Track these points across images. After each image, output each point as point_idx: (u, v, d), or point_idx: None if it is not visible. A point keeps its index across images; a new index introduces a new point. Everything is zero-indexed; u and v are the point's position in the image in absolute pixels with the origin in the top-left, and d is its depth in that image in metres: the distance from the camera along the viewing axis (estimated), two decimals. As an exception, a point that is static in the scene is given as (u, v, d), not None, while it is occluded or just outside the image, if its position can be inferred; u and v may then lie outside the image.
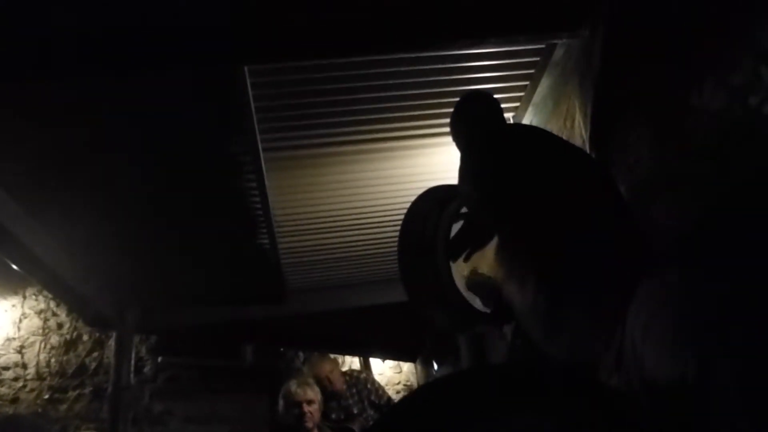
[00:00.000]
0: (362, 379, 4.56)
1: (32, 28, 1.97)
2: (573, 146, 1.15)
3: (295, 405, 3.09)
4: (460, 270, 1.21)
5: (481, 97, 2.19)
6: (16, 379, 5.08)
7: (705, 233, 1.33)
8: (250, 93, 2.49)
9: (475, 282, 1.11)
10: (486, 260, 1.04)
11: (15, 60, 2.04)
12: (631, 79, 1.83)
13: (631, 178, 1.82)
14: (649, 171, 1.73)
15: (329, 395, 4.07)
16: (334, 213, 3.67)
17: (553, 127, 2.63)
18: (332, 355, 4.91)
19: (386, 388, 5.84)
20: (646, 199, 1.72)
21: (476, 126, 2.01)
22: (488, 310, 1.16)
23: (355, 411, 4.21)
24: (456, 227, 1.27)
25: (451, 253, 1.20)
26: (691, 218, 1.48)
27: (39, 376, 5.13)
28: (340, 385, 4.27)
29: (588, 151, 2.08)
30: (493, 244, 1.00)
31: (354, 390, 4.41)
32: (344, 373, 4.66)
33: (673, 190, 1.62)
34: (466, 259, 1.11)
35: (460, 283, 1.24)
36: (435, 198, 1.41)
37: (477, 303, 1.24)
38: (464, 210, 1.27)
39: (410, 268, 1.40)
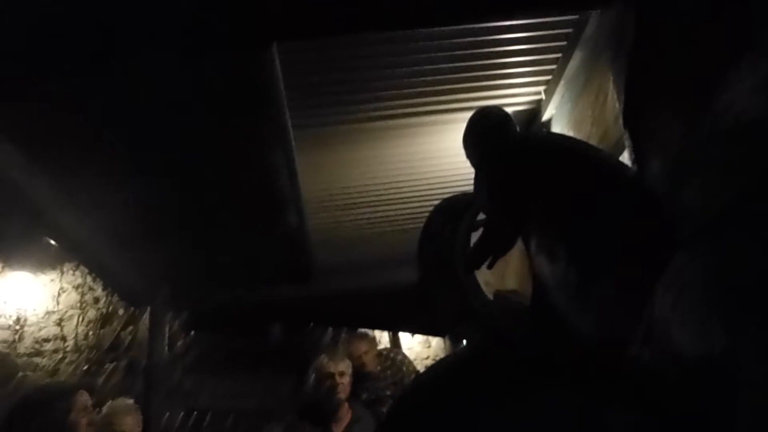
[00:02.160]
0: (398, 362, 4.50)
1: (56, 16, 1.99)
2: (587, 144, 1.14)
3: (327, 377, 3.12)
4: (484, 279, 1.19)
5: (492, 113, 2.18)
6: (56, 351, 5.22)
7: (737, 213, 1.30)
8: (279, 70, 2.49)
9: (504, 305, 1.10)
10: (511, 267, 1.04)
11: (37, 50, 2.06)
12: (665, 52, 1.79)
13: (664, 156, 1.78)
14: (681, 150, 1.70)
15: (361, 376, 4.04)
16: (363, 190, 3.67)
17: (585, 103, 2.59)
18: (370, 334, 4.84)
19: (415, 362, 5.84)
20: (678, 179, 1.69)
21: (489, 139, 1.97)
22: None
23: (388, 393, 4.18)
24: (475, 237, 1.24)
25: (473, 262, 1.18)
26: (723, 200, 1.44)
27: (77, 349, 5.27)
28: (373, 366, 4.21)
29: (622, 126, 2.04)
30: (516, 250, 0.99)
31: (388, 372, 4.36)
32: (379, 353, 4.61)
33: (705, 171, 1.58)
34: (489, 267, 1.10)
35: (486, 292, 1.22)
36: (449, 210, 1.40)
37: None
38: (480, 218, 1.25)
39: (433, 285, 1.38)
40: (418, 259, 1.41)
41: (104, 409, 3.14)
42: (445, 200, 1.50)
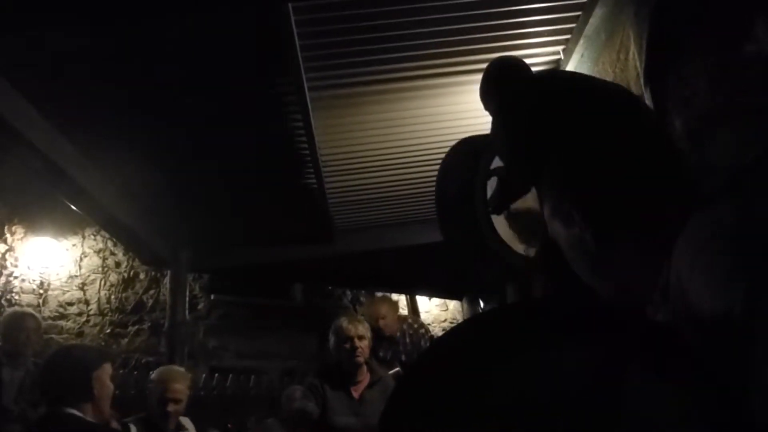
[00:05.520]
0: (421, 333, 4.55)
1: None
2: (610, 83, 1.11)
3: (347, 340, 3.15)
4: (500, 224, 1.21)
5: (507, 60, 2.17)
6: (80, 314, 5.34)
7: (760, 170, 1.28)
8: (295, 30, 2.47)
9: (522, 217, 1.10)
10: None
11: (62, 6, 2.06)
12: (690, 6, 1.74)
13: (686, 112, 1.74)
14: (706, 105, 1.66)
15: (380, 337, 4.08)
16: (381, 152, 3.65)
17: (606, 60, 2.54)
18: (392, 297, 4.86)
19: (432, 325, 5.89)
20: (701, 135, 1.66)
21: (506, 88, 1.96)
22: (532, 254, 1.15)
23: (403, 358, 4.22)
24: (491, 183, 1.25)
25: (491, 208, 1.20)
26: (748, 155, 1.41)
27: (101, 312, 5.38)
28: (391, 331, 4.23)
29: (643, 84, 2.00)
30: (532, 197, 0.99)
31: (408, 339, 4.40)
32: (403, 320, 4.64)
33: (731, 126, 1.55)
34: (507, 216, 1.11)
35: (501, 232, 1.24)
36: (467, 150, 1.40)
37: (520, 248, 1.23)
38: (496, 165, 1.26)
39: (450, 221, 1.39)
40: (436, 196, 1.43)
41: (154, 374, 3.22)
42: (461, 140, 1.51)
